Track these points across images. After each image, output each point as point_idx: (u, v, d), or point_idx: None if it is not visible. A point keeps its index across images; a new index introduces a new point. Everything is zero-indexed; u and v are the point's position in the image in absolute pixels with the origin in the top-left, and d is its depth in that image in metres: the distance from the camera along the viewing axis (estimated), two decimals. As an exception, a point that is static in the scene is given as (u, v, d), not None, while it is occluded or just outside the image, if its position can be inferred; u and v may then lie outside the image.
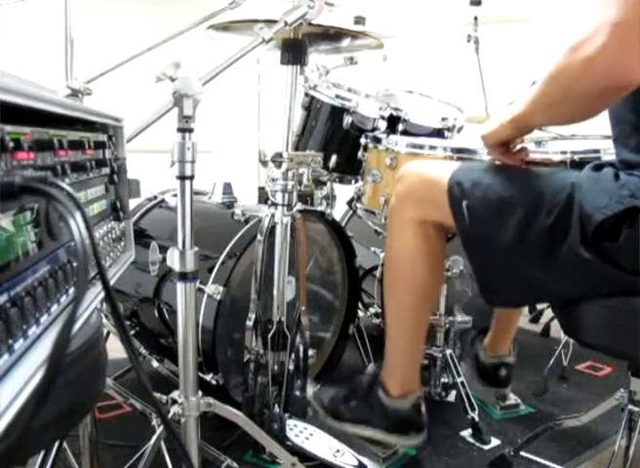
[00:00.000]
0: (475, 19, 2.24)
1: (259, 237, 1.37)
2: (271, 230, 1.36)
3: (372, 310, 2.01)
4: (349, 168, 1.79)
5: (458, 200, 1.10)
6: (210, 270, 1.44)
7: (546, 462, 1.40)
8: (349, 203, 2.02)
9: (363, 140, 1.72)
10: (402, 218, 1.25)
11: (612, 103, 0.91)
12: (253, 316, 1.37)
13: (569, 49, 0.85)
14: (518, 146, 1.15)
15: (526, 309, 2.54)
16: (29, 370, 0.40)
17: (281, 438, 1.34)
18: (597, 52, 0.81)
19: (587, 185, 0.97)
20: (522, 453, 1.41)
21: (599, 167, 1.05)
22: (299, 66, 1.33)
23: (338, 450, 1.35)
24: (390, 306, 1.32)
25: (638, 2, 0.79)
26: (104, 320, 1.54)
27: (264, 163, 1.33)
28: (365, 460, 1.35)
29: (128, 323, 1.70)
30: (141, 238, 1.67)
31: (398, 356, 1.31)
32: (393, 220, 1.30)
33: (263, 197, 2.15)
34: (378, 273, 1.88)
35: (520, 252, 1.03)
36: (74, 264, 0.52)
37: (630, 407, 1.22)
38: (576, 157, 1.75)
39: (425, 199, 1.20)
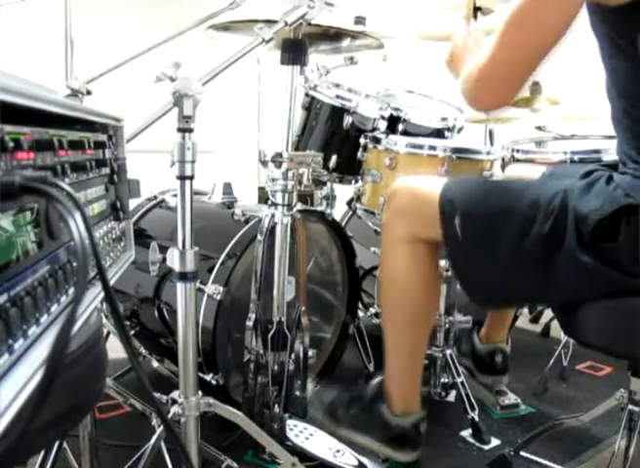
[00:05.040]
0: (475, 18, 2.23)
1: (259, 237, 1.37)
2: (271, 230, 1.35)
3: (372, 310, 2.01)
4: (349, 168, 1.79)
5: (449, 217, 1.10)
6: (210, 270, 1.44)
7: (546, 462, 1.40)
8: (349, 203, 2.01)
9: (363, 141, 1.72)
10: (394, 236, 1.25)
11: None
12: (253, 316, 1.37)
13: (464, 77, 1.07)
14: None
15: (526, 309, 2.54)
16: (29, 370, 0.40)
17: (281, 438, 1.34)
18: (469, 88, 1.06)
19: (580, 191, 0.98)
20: (522, 453, 1.41)
21: (589, 173, 1.05)
22: (299, 66, 1.33)
23: (338, 450, 1.35)
24: (388, 329, 1.33)
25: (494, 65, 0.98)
26: (104, 320, 1.54)
27: (264, 163, 1.33)
28: (365, 460, 1.34)
29: (128, 323, 1.70)
30: (141, 238, 1.67)
31: (398, 377, 1.33)
32: (385, 238, 1.30)
33: (263, 197, 2.15)
34: (377, 273, 1.88)
35: (518, 261, 1.03)
36: (74, 264, 0.52)
37: (630, 407, 1.22)
38: (576, 157, 1.75)
39: (417, 217, 1.21)
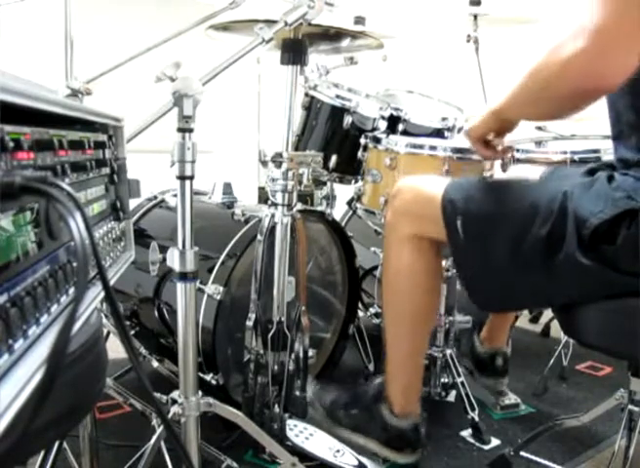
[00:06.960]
0: (475, 18, 2.24)
1: (259, 237, 1.37)
2: (271, 230, 1.35)
3: (372, 310, 2.01)
4: (349, 168, 1.79)
5: (452, 217, 1.10)
6: (210, 270, 1.44)
7: (546, 462, 1.40)
8: (349, 203, 2.01)
9: (363, 140, 1.72)
10: (398, 235, 1.25)
11: (587, 105, 0.91)
12: (253, 316, 1.36)
13: (550, 49, 0.87)
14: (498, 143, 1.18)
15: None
16: (29, 370, 0.40)
17: (281, 438, 1.34)
18: (575, 54, 0.83)
19: (581, 192, 0.97)
20: (522, 453, 1.41)
21: (592, 171, 1.05)
22: (299, 66, 1.33)
23: (338, 450, 1.35)
24: (389, 327, 1.33)
25: (619, 9, 0.80)
26: (104, 320, 1.54)
27: (264, 163, 1.33)
28: (365, 460, 1.35)
29: (128, 323, 1.70)
30: (141, 238, 1.67)
31: (398, 377, 1.33)
32: (389, 237, 1.30)
33: (263, 197, 2.15)
34: (378, 273, 1.88)
35: (518, 263, 1.03)
36: (74, 264, 0.52)
37: (630, 407, 1.22)
38: (576, 157, 1.75)
39: (421, 215, 1.21)
